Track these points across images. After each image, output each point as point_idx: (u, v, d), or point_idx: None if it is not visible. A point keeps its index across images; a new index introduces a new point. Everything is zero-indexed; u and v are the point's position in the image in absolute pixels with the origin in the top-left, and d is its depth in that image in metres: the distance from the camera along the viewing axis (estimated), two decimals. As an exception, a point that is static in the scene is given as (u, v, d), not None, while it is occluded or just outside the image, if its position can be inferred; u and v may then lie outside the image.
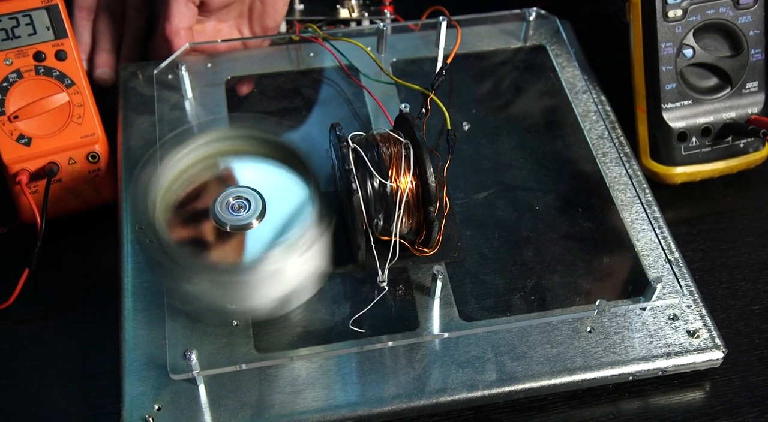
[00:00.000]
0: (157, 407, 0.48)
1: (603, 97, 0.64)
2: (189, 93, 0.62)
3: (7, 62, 0.55)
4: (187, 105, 0.62)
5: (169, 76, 0.63)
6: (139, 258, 0.53)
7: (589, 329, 0.51)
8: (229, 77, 0.64)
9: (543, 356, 0.50)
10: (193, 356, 0.47)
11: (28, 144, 0.56)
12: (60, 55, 0.56)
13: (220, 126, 0.55)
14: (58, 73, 0.56)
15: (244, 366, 0.49)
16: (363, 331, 0.50)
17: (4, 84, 0.55)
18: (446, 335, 0.50)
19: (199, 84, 0.63)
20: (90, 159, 0.58)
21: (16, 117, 0.56)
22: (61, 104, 0.57)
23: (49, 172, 0.56)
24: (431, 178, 0.49)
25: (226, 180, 0.52)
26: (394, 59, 0.65)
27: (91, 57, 0.66)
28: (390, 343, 0.50)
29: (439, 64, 0.64)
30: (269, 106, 0.62)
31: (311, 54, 0.66)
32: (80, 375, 0.52)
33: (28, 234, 0.57)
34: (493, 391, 0.49)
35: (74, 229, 0.59)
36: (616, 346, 0.51)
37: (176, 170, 0.51)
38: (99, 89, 0.63)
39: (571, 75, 0.65)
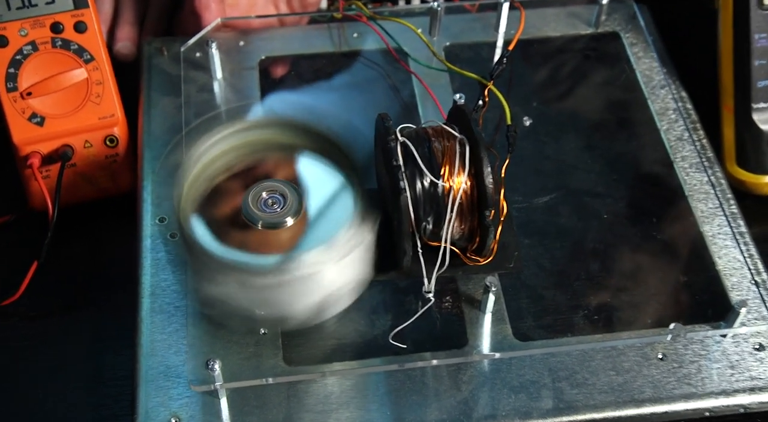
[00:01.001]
0: (173, 421, 0.49)
1: (684, 93, 0.64)
2: (218, 73, 0.63)
3: (22, 33, 0.57)
4: (216, 87, 0.63)
5: (197, 54, 0.64)
6: (158, 254, 0.55)
7: (660, 356, 0.52)
8: (263, 57, 0.65)
9: (607, 384, 0.50)
10: (216, 366, 0.48)
11: (40, 123, 0.58)
12: (79, 27, 0.58)
13: (253, 112, 0.56)
14: (76, 46, 0.58)
15: (271, 380, 0.50)
16: (404, 347, 0.51)
17: (18, 57, 0.57)
18: (498, 355, 0.51)
19: (230, 64, 0.64)
20: (107, 143, 0.59)
21: (29, 93, 0.57)
22: (78, 81, 0.58)
23: (63, 156, 0.58)
24: (488, 179, 0.49)
25: (259, 172, 0.53)
26: (448, 43, 0.66)
27: (111, 29, 0.68)
28: (434, 362, 0.51)
29: (499, 51, 0.64)
30: (307, 91, 0.63)
31: (355, 34, 0.67)
32: (91, 380, 0.53)
33: (37, 224, 0.59)
34: (549, 421, 0.49)
35: (87, 220, 0.60)
36: (691, 377, 0.51)
37: (204, 160, 0.53)
38: (119, 66, 0.65)
39: (647, 67, 0.65)
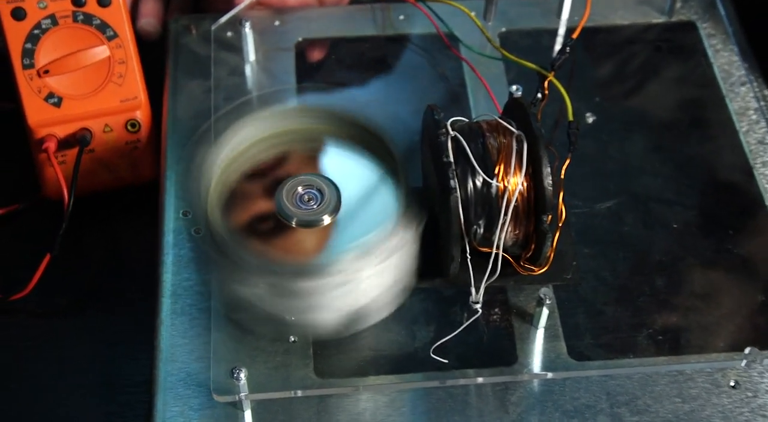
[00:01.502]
0: (193, 433, 0.50)
1: (767, 92, 0.63)
2: (251, 55, 0.64)
3: (41, 5, 0.58)
4: (248, 70, 0.64)
5: (229, 34, 0.65)
6: (181, 250, 0.56)
7: (732, 383, 0.51)
8: (300, 39, 0.66)
9: (671, 412, 0.50)
10: (242, 375, 0.49)
11: (58, 104, 0.59)
12: (103, 1, 0.59)
13: (288, 99, 0.57)
14: (99, 21, 0.59)
15: (300, 393, 0.50)
16: (446, 362, 0.51)
17: (36, 31, 0.58)
18: (550, 375, 0.51)
19: (264, 45, 0.65)
20: (129, 127, 0.61)
21: (46, 71, 0.59)
22: (99, 59, 0.59)
23: (82, 140, 0.59)
24: (548, 180, 0.49)
25: (295, 165, 0.54)
26: (504, 29, 0.66)
27: (135, 4, 0.69)
28: (480, 379, 0.51)
29: (561, 39, 0.64)
30: (347, 77, 0.64)
31: (401, 16, 0.67)
32: (104, 385, 0.54)
33: (48, 213, 0.60)
34: (606, 450, 0.50)
35: (103, 211, 0.61)
36: (767, 408, 0.51)
37: (235, 150, 0.53)
38: (142, 45, 0.66)
39: (726, 61, 0.65)
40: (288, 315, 0.50)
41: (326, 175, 0.52)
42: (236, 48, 0.64)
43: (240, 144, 0.54)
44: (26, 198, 0.61)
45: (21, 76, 0.58)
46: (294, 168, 0.54)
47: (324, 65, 0.65)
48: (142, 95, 0.61)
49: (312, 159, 0.55)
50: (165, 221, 0.57)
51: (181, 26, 0.66)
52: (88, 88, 0.59)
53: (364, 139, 0.54)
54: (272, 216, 0.51)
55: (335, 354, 0.52)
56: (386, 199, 0.52)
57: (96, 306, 0.58)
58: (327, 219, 0.51)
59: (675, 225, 0.57)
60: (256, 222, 0.52)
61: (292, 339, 0.52)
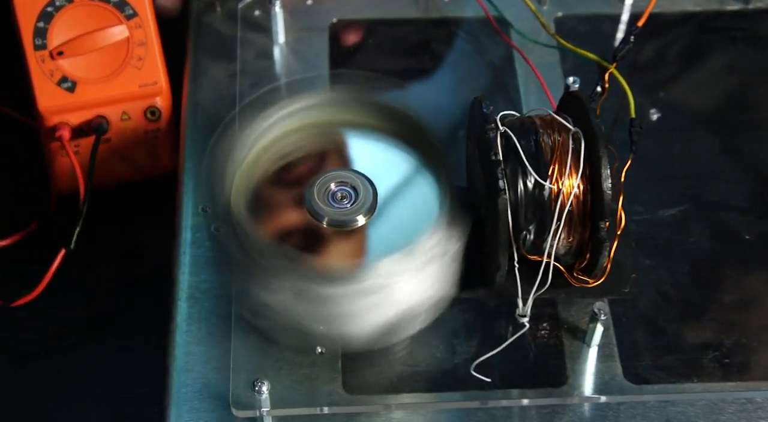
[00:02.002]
0: (209, 449, 0.50)
1: None
2: (281, 37, 0.65)
3: (55, -21, 0.59)
4: (278, 53, 0.65)
5: (257, 13, 0.66)
6: (199, 249, 0.56)
7: (808, 414, 0.51)
8: (334, 20, 0.66)
9: (738, 444, 0.50)
10: (264, 389, 0.49)
11: (71, 89, 0.60)
12: (122, -25, 0.60)
13: (321, 86, 0.57)
14: (117, -2, 0.60)
15: (326, 410, 0.51)
16: (489, 380, 0.51)
17: (49, 9, 0.59)
18: (604, 399, 0.51)
19: (296, 26, 0.65)
20: (148, 115, 0.61)
21: (60, 53, 0.59)
22: (117, 40, 0.60)
23: (98, 128, 0.60)
24: (607, 183, 0.49)
25: (327, 160, 0.54)
26: (560, 14, 0.67)
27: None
28: (525, 401, 0.51)
29: (624, 26, 0.64)
30: (386, 63, 0.65)
31: (447, -2, 0.68)
32: (113, 395, 0.55)
33: (60, 208, 0.61)
34: (664, 484, 0.50)
35: (116, 205, 0.62)
36: None
37: (263, 141, 0.54)
38: (160, 24, 0.66)
39: (809, 55, 0.65)
40: (316, 324, 0.51)
41: (361, 172, 0.53)
42: (264, 28, 0.65)
43: (268, 136, 0.55)
44: (38, 214, 0.62)
45: (32, 58, 0.59)
46: (326, 163, 0.54)
47: (360, 50, 0.66)
48: (163, 80, 0.61)
49: (346, 153, 0.56)
50: (183, 217, 0.57)
51: (204, 3, 0.67)
52: (104, 72, 0.60)
53: (404, 132, 0.54)
54: (302, 215, 0.52)
55: (366, 368, 0.52)
56: (427, 199, 0.52)
57: (105, 309, 0.59)
58: (361, 220, 0.52)
59: (747, 237, 0.57)
60: (284, 221, 0.52)
61: (320, 350, 0.53)
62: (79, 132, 0.60)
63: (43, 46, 0.59)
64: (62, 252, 0.56)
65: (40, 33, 0.59)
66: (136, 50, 0.60)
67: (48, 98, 0.60)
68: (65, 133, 0.59)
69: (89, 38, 0.60)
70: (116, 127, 0.61)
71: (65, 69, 0.60)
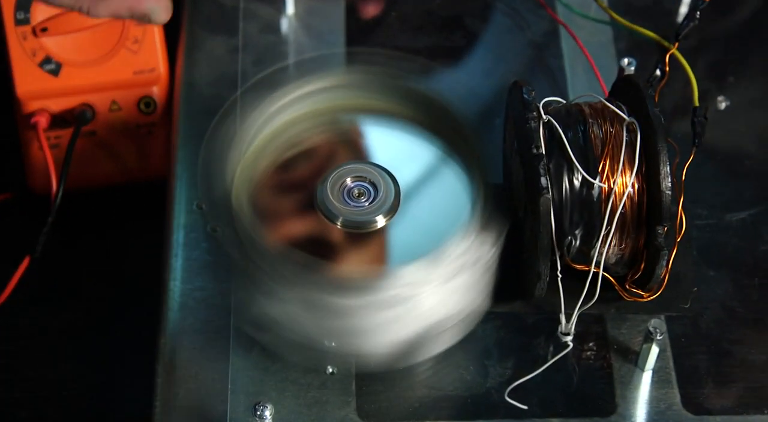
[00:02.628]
0: (202, 481, 0.50)
1: None
2: (290, 8, 0.64)
3: (39, -55, 0.59)
4: (286, 26, 0.64)
5: (262, -21, 0.66)
6: (193, 252, 0.56)
7: None
8: (352, -10, 0.66)
9: (814, 486, 0.50)
10: (267, 412, 0.49)
11: (55, 72, 0.60)
12: (114, -60, 0.60)
13: (336, 66, 0.57)
14: (109, -33, 0.60)
15: (337, 438, 0.51)
16: (526, 408, 0.51)
17: (34, -23, 0.59)
18: (659, 431, 0.51)
19: (308, -4, 0.65)
20: (142, 107, 0.61)
21: (43, 29, 0.59)
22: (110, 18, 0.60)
23: (80, 117, 0.59)
24: (666, 182, 0.49)
25: (342, 151, 0.54)
26: (615, -14, 0.66)
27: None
28: (567, 433, 0.51)
29: (689, 1, 0.64)
30: (411, 40, 0.64)
31: (483, -34, 0.67)
32: (94, 418, 0.55)
33: (39, 206, 0.60)
34: None
35: (104, 208, 0.62)
36: None
37: (268, 129, 0.54)
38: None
39: None
40: (327, 340, 0.51)
41: (381, 165, 0.53)
42: (271, -1, 0.65)
43: (274, 123, 0.55)
44: (14, 188, 0.62)
45: (12, 34, 0.58)
46: (341, 154, 0.54)
47: (382, 25, 0.65)
48: (162, 67, 0.61)
49: (364, 144, 0.55)
50: (174, 215, 0.57)
51: (202, -32, 0.67)
52: (94, 54, 0.60)
53: (431, 120, 0.54)
54: (313, 214, 0.52)
55: (384, 391, 0.52)
56: (457, 198, 0.52)
57: (86, 321, 0.59)
58: (381, 221, 0.51)
59: (827, 246, 0.57)
60: (292, 221, 0.52)
61: (330, 370, 0.52)
62: (59, 121, 0.60)
63: (26, 21, 0.59)
64: (27, 259, 0.56)
65: (23, 6, 0.59)
66: (133, 31, 0.60)
67: (27, 81, 0.59)
68: (42, 121, 0.59)
69: (78, 15, 0.58)
70: (103, 118, 0.60)
71: (49, 48, 0.59)
